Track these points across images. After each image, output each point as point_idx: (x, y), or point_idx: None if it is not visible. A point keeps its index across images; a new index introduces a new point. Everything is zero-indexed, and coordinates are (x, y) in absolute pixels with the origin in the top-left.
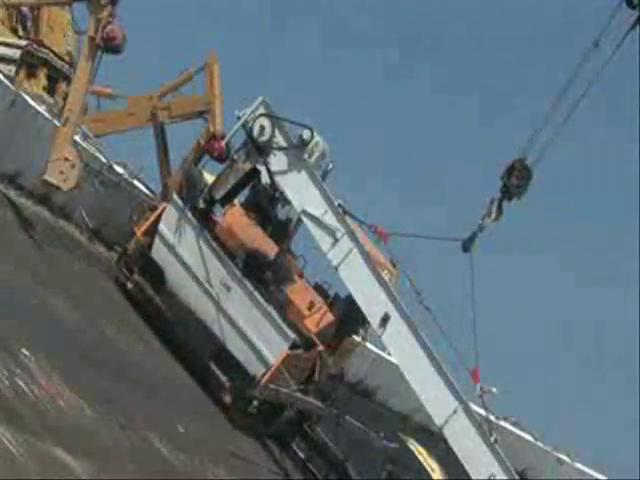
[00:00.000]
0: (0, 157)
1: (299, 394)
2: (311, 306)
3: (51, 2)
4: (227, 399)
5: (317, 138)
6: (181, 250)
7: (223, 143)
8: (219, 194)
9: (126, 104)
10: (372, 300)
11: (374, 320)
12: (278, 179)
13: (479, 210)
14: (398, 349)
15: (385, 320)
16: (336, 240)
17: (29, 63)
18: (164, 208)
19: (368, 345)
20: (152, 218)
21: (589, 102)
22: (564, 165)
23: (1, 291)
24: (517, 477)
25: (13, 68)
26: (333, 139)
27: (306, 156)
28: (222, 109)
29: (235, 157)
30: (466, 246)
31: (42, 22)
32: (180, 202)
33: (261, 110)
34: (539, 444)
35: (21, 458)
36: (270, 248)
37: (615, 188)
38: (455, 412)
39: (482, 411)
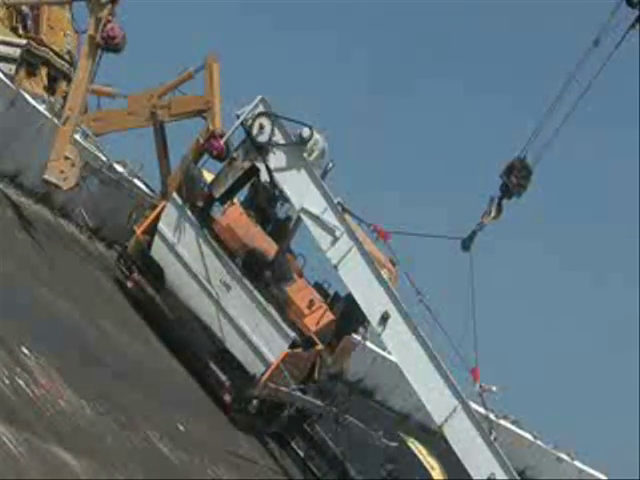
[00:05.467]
0: (0, 156)
1: (299, 393)
2: (311, 305)
3: (51, 1)
4: (227, 398)
5: (317, 136)
6: (181, 249)
7: (222, 142)
8: (218, 193)
9: (126, 103)
10: (372, 299)
11: (374, 319)
12: (277, 177)
13: (479, 210)
14: (398, 348)
15: (385, 319)
16: (336, 239)
17: (29, 62)
18: (164, 207)
19: (368, 344)
20: (152, 217)
21: (589, 101)
22: (563, 163)
23: (1, 290)
24: (517, 476)
25: (13, 67)
26: (333, 138)
27: (305, 154)
28: (220, 108)
29: (234, 155)
30: (466, 245)
31: (42, 21)
32: (180, 201)
33: (260, 108)
34: (539, 443)
35: (21, 457)
36: (270, 247)
37: (615, 188)
38: (455, 411)
39: (482, 410)
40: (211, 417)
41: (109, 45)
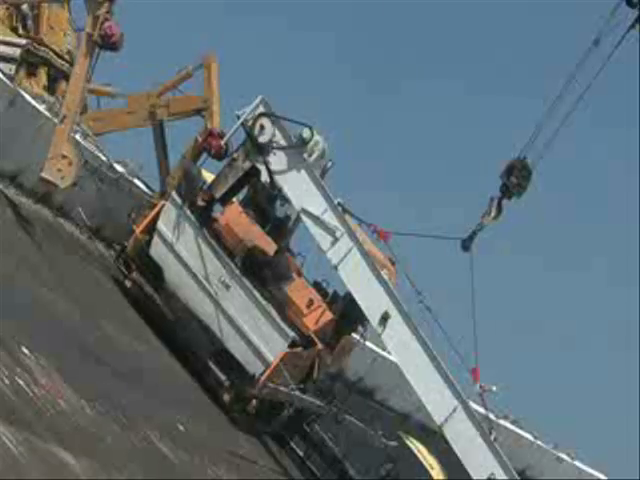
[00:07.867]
0: (0, 156)
1: (298, 392)
2: (310, 304)
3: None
4: (226, 398)
5: (317, 137)
6: (180, 248)
7: (222, 142)
8: (219, 193)
9: (126, 103)
10: (372, 299)
11: (374, 319)
12: (278, 178)
13: (479, 210)
14: (398, 348)
15: (385, 319)
16: (336, 239)
17: (29, 62)
18: (163, 206)
19: (367, 344)
20: (151, 216)
21: (589, 101)
22: (563, 164)
23: (1, 290)
24: (517, 476)
25: (13, 67)
26: (333, 138)
27: (306, 155)
28: (219, 107)
29: (235, 156)
30: (466, 245)
31: (42, 21)
32: (179, 200)
33: (261, 109)
34: (539, 443)
35: (21, 457)
36: (269, 246)
37: (615, 188)
38: (455, 411)
39: (482, 410)
40: (211, 417)
41: (106, 43)
